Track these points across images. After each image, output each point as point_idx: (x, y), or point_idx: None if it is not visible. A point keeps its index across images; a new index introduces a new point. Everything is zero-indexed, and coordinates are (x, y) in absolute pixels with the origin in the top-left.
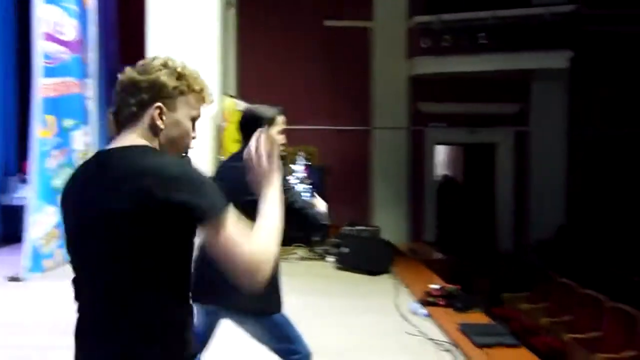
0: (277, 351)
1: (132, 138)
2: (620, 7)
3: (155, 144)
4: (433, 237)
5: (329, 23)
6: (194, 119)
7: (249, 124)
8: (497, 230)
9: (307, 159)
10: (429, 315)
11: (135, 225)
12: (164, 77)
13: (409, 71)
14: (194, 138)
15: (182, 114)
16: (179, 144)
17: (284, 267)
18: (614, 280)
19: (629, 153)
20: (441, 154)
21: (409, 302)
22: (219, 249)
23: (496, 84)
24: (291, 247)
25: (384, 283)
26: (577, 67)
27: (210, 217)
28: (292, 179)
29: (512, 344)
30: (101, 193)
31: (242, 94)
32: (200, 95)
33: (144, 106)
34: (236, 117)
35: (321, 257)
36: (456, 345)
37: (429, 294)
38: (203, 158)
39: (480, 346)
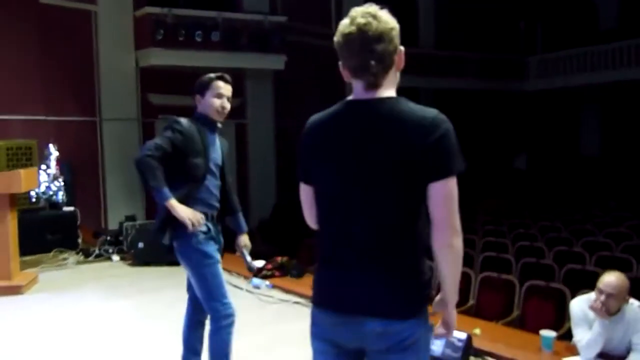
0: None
1: (391, 88)
2: (317, 24)
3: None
4: None
5: (45, 0)
6: None
7: None
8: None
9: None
10: (273, 286)
11: (426, 166)
12: (396, 24)
13: (139, 61)
14: None
15: None
16: None
17: (66, 276)
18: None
19: None
20: None
21: (248, 280)
22: (448, 199)
23: None
24: (51, 253)
25: None
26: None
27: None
28: (44, 177)
29: None
30: (386, 145)
31: None
32: None
33: (395, 53)
34: None
35: (105, 258)
36: None
37: (261, 269)
38: None
39: None
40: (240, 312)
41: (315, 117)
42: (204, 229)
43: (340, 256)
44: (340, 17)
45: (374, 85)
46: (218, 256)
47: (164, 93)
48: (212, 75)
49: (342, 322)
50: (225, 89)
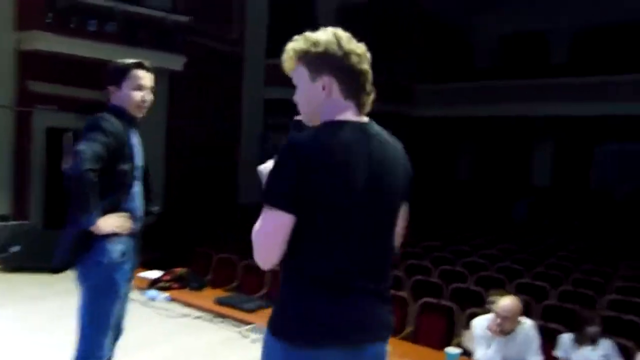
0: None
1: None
2: (217, 27)
3: None
4: (41, 221)
5: None
6: None
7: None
8: None
9: None
10: (171, 299)
11: (406, 188)
12: None
13: (21, 44)
14: None
15: None
16: None
17: None
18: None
19: (207, 141)
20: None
21: (142, 291)
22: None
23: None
24: None
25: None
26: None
27: None
28: None
29: (264, 306)
30: (393, 168)
31: None
32: None
33: None
34: None
35: None
36: (223, 315)
37: (157, 280)
38: None
39: (251, 311)
40: (139, 325)
41: (311, 138)
42: (121, 248)
43: (354, 285)
44: (243, 22)
45: (365, 107)
46: (124, 287)
47: (47, 81)
48: (129, 61)
49: (345, 354)
50: (147, 78)
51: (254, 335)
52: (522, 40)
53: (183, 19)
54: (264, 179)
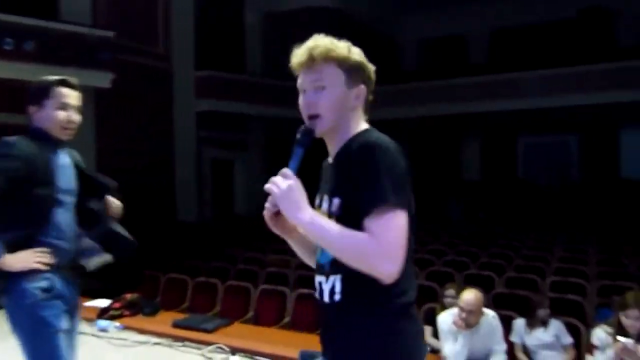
0: None
1: None
2: (142, 41)
3: None
4: None
5: None
6: None
7: None
8: None
9: None
10: (124, 327)
11: None
12: None
13: None
14: None
15: None
16: None
17: None
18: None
19: (140, 159)
20: None
21: (92, 322)
22: None
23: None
24: None
25: None
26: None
27: None
28: None
29: (224, 324)
30: None
31: None
32: None
33: None
34: None
35: None
36: (182, 338)
37: (107, 309)
38: None
39: (210, 331)
40: (94, 358)
41: (387, 140)
42: (44, 284)
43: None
44: (169, 35)
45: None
46: (63, 323)
47: None
48: (51, 78)
49: None
50: (72, 97)
51: (217, 356)
52: (444, 43)
53: (108, 34)
54: (284, 197)
